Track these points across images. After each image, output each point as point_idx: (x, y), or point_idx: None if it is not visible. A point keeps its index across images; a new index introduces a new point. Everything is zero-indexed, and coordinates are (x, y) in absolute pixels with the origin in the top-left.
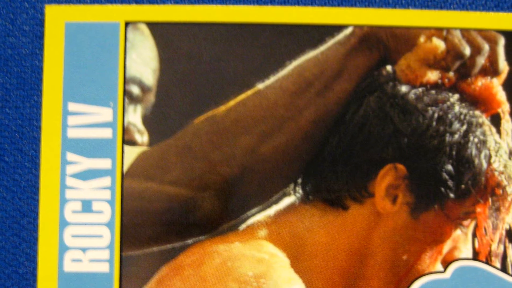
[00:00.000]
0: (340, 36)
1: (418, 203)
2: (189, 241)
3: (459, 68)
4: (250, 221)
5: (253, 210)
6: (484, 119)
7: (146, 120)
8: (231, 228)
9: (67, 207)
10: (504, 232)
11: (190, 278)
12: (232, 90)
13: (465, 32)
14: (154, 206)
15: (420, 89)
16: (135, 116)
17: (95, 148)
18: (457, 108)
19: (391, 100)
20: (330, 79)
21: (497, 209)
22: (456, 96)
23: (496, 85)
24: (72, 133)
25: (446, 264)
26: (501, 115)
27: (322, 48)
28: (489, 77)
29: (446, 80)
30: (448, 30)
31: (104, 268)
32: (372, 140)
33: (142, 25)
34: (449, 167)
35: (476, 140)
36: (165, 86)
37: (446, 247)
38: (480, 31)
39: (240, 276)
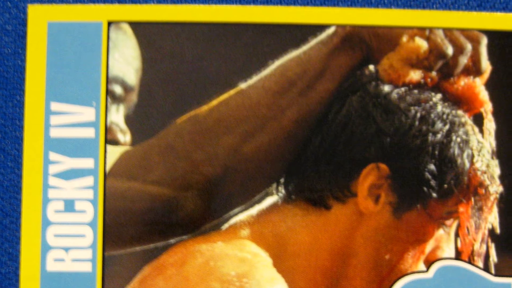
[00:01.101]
0: (323, 35)
1: (400, 202)
2: (172, 241)
3: (441, 67)
4: (233, 220)
5: (236, 210)
6: (466, 118)
7: (128, 120)
8: (214, 227)
9: (49, 207)
10: (486, 232)
11: (173, 278)
12: (214, 89)
13: (447, 31)
14: (136, 205)
15: (403, 89)
16: (117, 115)
17: (77, 147)
18: (439, 108)
19: (373, 100)
20: (312, 79)
21: (480, 209)
22: (439, 95)
23: (479, 84)
24: (54, 133)
25: (428, 263)
26: (484, 114)
27: (305, 47)
28: (471, 77)
29: (428, 80)
30: (431, 29)
31: (86, 267)
32: (354, 140)
33: (125, 24)
34: (432, 166)
35: (458, 139)
36: (148, 86)
37: (429, 246)
38: (462, 30)
39: (223, 275)
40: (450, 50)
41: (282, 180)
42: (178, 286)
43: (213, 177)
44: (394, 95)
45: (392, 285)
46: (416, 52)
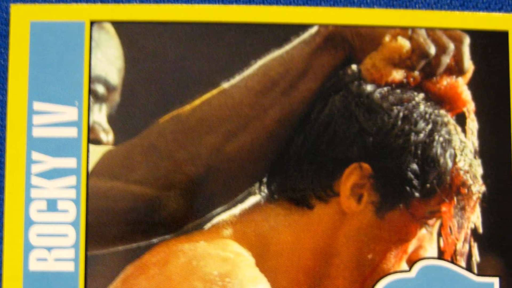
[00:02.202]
0: (305, 35)
1: (383, 202)
2: (154, 240)
3: (424, 67)
4: (215, 220)
5: (218, 209)
6: (449, 118)
7: (111, 119)
8: (196, 227)
9: (32, 206)
10: (469, 231)
11: (155, 277)
12: (197, 89)
13: (430, 31)
14: (119, 205)
15: (385, 88)
16: (100, 115)
17: (60, 147)
18: (422, 107)
19: (356, 99)
20: (295, 78)
21: (462, 208)
22: (421, 95)
23: (461, 84)
24: (37, 132)
25: (411, 263)
26: (466, 114)
27: (287, 47)
28: (454, 76)
29: (411, 79)
30: (413, 29)
31: (69, 267)
32: (337, 139)
33: (107, 24)
34: (414, 166)
35: (441, 139)
36: (130, 85)
37: (411, 246)
38: (445, 30)
39: (205, 275)
40: (432, 50)
41: (264, 180)
42: (161, 285)
43: (196, 176)
44: (377, 94)
45: (374, 284)
46: (399, 51)
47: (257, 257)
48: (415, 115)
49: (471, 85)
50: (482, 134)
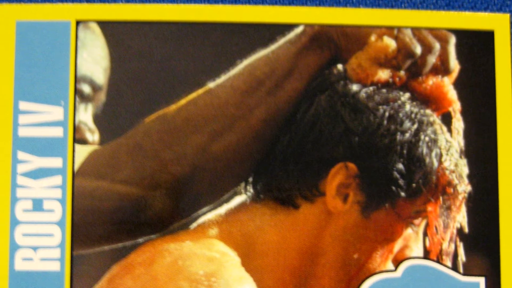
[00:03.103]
0: (291, 35)
1: (369, 202)
2: (140, 240)
3: (410, 67)
4: (201, 220)
5: (204, 209)
6: (435, 117)
7: (97, 119)
8: (182, 227)
9: (18, 206)
10: (455, 231)
11: (141, 277)
12: (183, 89)
13: (416, 31)
14: (105, 205)
15: (371, 88)
16: (86, 114)
17: (46, 147)
18: (408, 107)
19: (342, 99)
20: (281, 78)
21: (448, 208)
22: (407, 95)
23: (447, 83)
24: (23, 132)
25: (397, 263)
26: (452, 113)
27: (273, 47)
28: (440, 76)
29: (397, 79)
30: (399, 29)
31: (55, 267)
32: (323, 139)
33: (93, 24)
34: (400, 166)
35: (427, 139)
36: (116, 85)
37: (397, 246)
38: (431, 30)
39: (191, 274)
40: (418, 50)
41: (250, 179)
42: (147, 285)
43: (182, 176)
44: (363, 94)
45: (360, 284)
46: (385, 51)
47: (243, 257)
48: (401, 114)
49: (457, 84)
50: (468, 134)
